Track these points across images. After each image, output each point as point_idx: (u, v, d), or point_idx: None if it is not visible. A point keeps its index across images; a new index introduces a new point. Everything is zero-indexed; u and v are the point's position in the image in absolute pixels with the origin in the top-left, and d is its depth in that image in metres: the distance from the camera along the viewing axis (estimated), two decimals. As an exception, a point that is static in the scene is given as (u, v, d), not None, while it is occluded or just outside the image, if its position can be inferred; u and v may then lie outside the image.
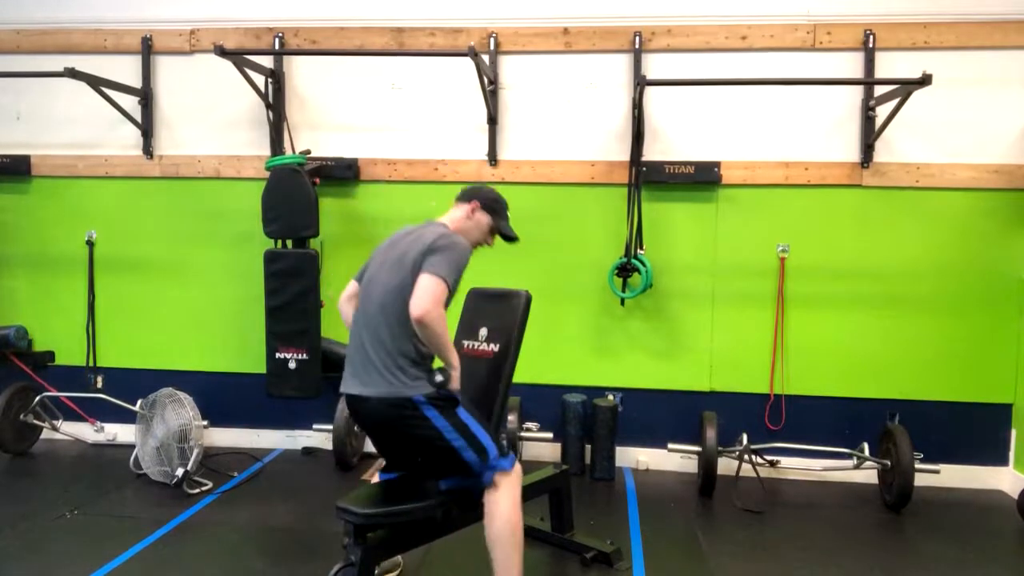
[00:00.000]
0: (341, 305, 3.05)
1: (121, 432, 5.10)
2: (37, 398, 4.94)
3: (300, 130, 4.91)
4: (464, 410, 2.76)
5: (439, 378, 2.69)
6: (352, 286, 3.03)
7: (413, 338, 2.68)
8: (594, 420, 4.64)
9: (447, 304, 2.69)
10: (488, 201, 2.98)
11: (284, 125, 4.88)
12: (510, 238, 3.05)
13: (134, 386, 4.86)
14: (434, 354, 2.75)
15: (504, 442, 2.90)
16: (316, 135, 4.91)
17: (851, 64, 4.53)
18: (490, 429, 2.85)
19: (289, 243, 4.67)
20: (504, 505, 2.75)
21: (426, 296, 2.58)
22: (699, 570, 3.44)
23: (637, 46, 4.60)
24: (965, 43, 4.43)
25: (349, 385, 2.80)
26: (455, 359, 2.76)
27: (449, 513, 2.86)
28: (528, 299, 3.15)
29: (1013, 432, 4.55)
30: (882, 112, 4.41)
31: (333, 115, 4.91)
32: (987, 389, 4.56)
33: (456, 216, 2.97)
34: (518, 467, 2.90)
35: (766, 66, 4.54)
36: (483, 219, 2.96)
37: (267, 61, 4.80)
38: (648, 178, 4.59)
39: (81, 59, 4.76)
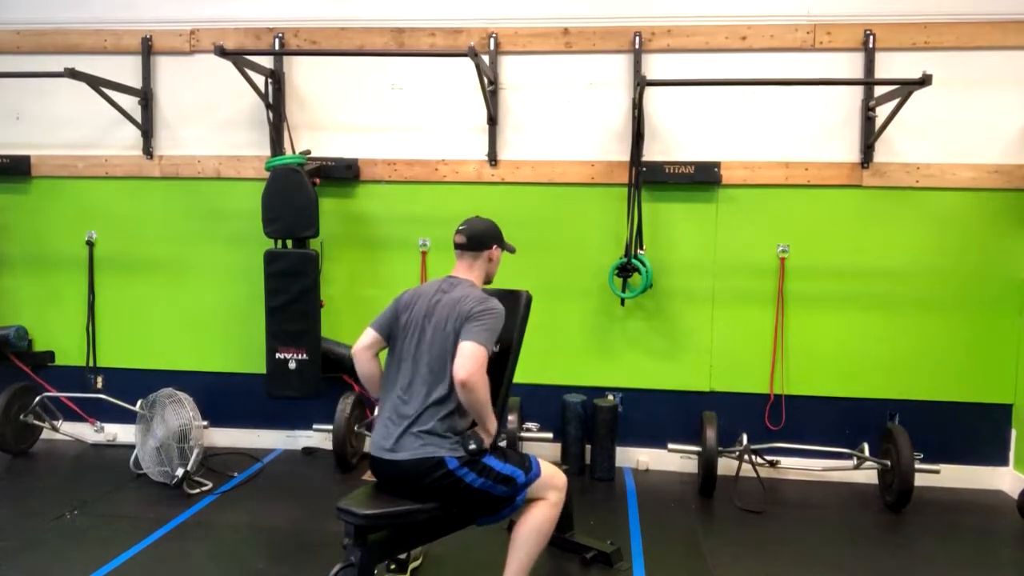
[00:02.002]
0: (359, 353, 2.96)
1: (121, 432, 5.10)
2: (37, 398, 4.94)
3: (300, 130, 4.91)
4: (490, 455, 2.79)
5: (472, 445, 2.72)
6: (370, 335, 2.96)
7: (457, 410, 2.73)
8: (594, 420, 4.64)
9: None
10: (500, 238, 3.07)
11: (284, 125, 4.88)
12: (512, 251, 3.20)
13: (134, 386, 4.86)
14: (473, 422, 2.79)
15: (526, 459, 2.92)
16: (316, 135, 4.91)
17: (851, 64, 4.53)
18: (511, 455, 2.88)
19: (289, 243, 4.66)
20: (540, 514, 2.86)
21: (470, 361, 2.64)
22: (699, 570, 3.44)
23: (637, 46, 4.60)
24: (965, 43, 4.43)
25: (380, 450, 2.78)
26: (494, 424, 2.80)
27: (449, 513, 2.86)
28: (528, 299, 3.15)
29: (1013, 432, 4.55)
30: (882, 112, 4.41)
31: (333, 115, 4.91)
32: (987, 389, 4.56)
33: (475, 266, 3.00)
34: (562, 474, 2.96)
35: (766, 66, 4.54)
36: (498, 254, 3.08)
37: (267, 61, 4.79)
38: (648, 178, 4.59)
39: (81, 59, 4.75)
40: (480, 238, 2.99)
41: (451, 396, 2.72)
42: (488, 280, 3.08)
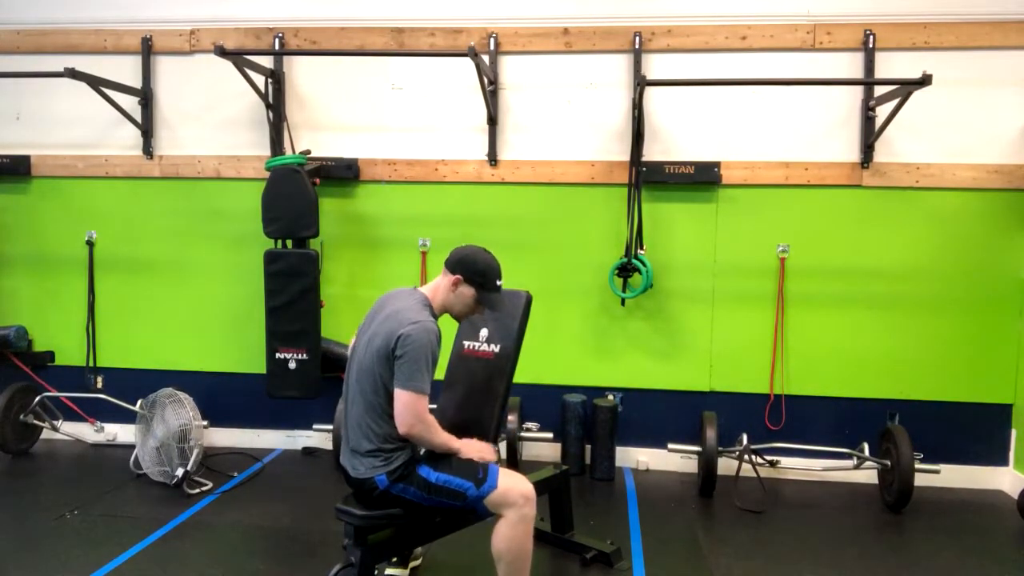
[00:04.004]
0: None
1: (121, 432, 5.09)
2: (37, 398, 4.94)
3: (300, 130, 4.91)
4: (424, 465, 2.72)
5: (423, 449, 2.71)
6: (352, 340, 2.99)
7: (386, 424, 2.67)
8: (594, 420, 4.64)
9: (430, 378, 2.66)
10: (473, 275, 2.78)
11: (284, 125, 4.88)
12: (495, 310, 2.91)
13: (134, 386, 4.86)
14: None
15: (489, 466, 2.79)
16: (316, 135, 4.91)
17: (851, 64, 4.53)
18: (459, 466, 2.73)
19: (289, 243, 4.66)
20: (504, 530, 2.71)
21: (407, 414, 2.59)
22: (699, 570, 3.44)
23: (637, 46, 4.60)
24: (965, 43, 4.43)
25: (342, 456, 2.84)
26: (456, 445, 2.75)
27: (449, 514, 2.86)
28: (529, 299, 3.15)
29: (1013, 432, 4.55)
30: (882, 112, 4.41)
31: (333, 115, 4.91)
32: (987, 389, 4.56)
33: (440, 287, 2.83)
34: (525, 489, 2.74)
35: (766, 66, 4.54)
36: (467, 292, 2.80)
37: (267, 61, 4.79)
38: (648, 178, 4.59)
39: (81, 59, 4.76)
40: (455, 261, 2.81)
41: (376, 416, 2.65)
42: (455, 316, 2.88)
